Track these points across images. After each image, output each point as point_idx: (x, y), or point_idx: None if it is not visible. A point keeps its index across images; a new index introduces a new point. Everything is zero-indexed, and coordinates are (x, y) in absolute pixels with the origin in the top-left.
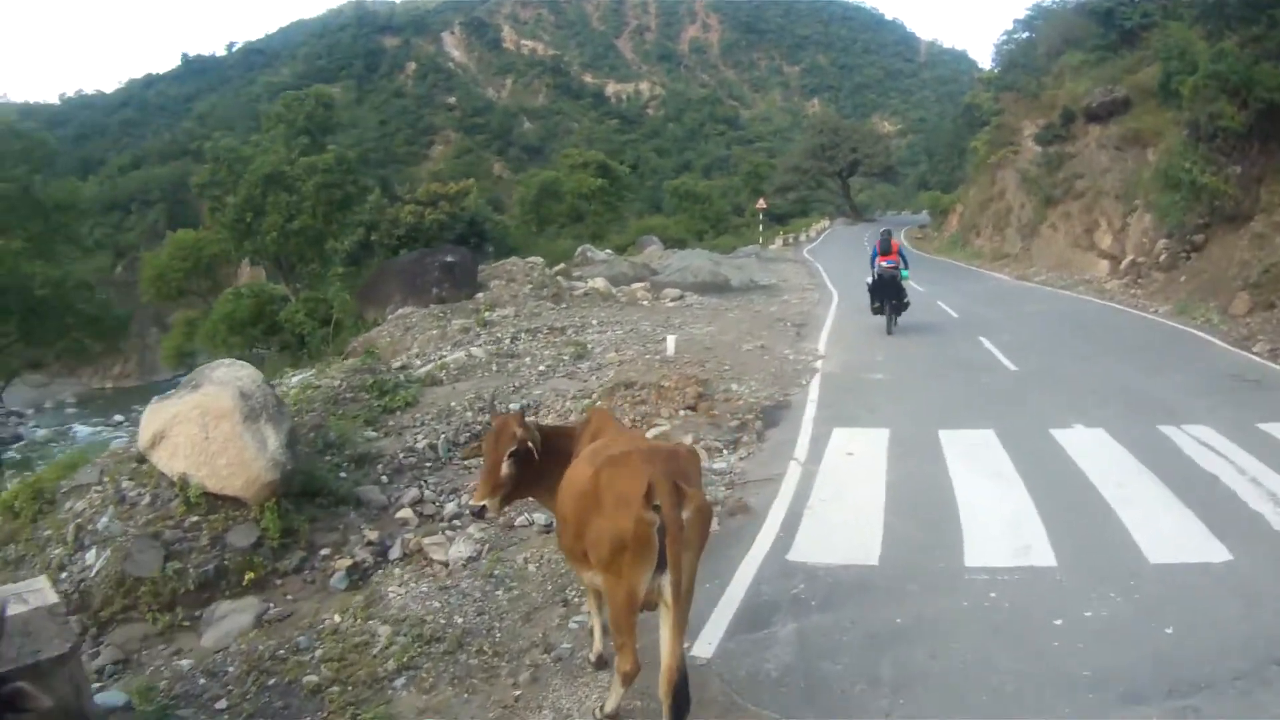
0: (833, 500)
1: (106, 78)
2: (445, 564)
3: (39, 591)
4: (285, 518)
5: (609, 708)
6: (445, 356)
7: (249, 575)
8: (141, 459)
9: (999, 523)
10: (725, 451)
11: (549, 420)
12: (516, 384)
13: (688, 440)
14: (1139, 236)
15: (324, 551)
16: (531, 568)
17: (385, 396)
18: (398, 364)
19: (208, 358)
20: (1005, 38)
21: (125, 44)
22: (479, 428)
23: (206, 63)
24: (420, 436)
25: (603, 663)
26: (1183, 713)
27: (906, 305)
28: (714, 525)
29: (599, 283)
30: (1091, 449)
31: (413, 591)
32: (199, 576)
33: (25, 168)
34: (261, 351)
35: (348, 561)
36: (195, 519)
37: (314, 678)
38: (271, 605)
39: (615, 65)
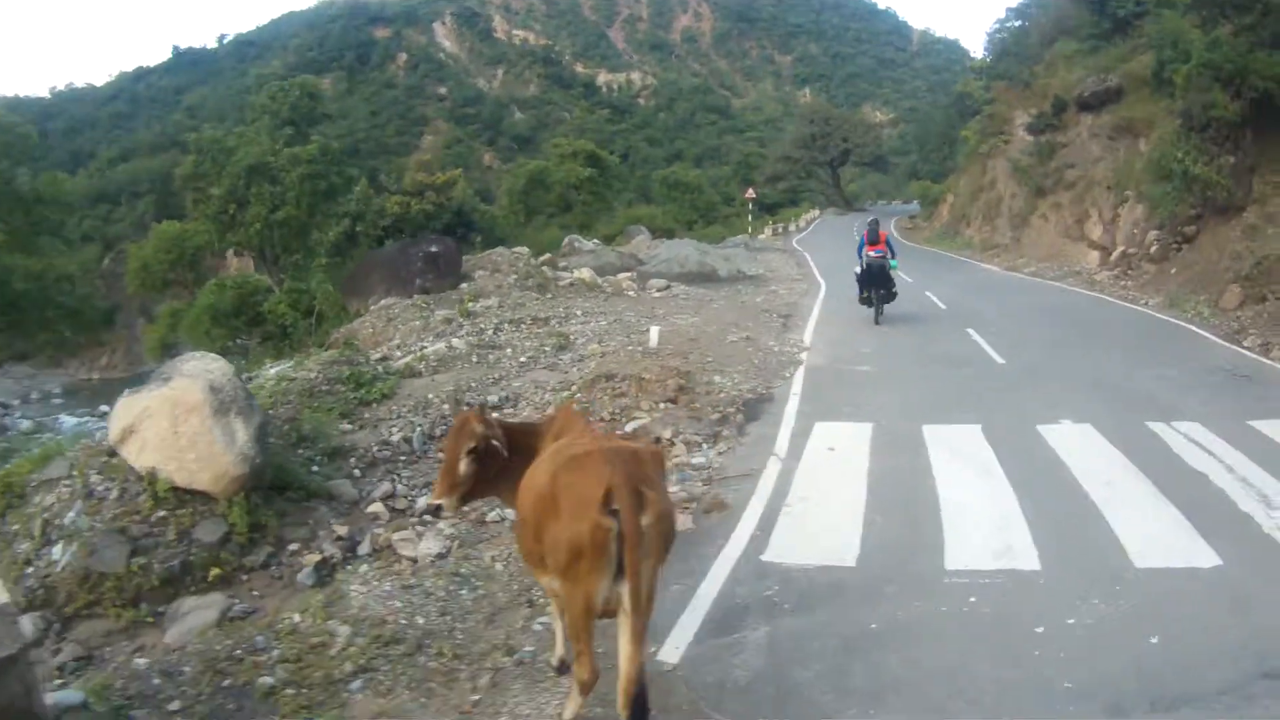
0: (812, 498)
1: (97, 71)
2: (414, 560)
3: None
4: (254, 512)
5: (567, 716)
6: (425, 348)
7: (215, 571)
8: (112, 453)
9: (982, 523)
10: (704, 446)
11: (527, 413)
12: (496, 376)
13: (666, 434)
14: (1130, 227)
15: (292, 547)
16: (499, 566)
17: (362, 389)
18: (378, 355)
19: (191, 349)
20: (998, 26)
21: (116, 37)
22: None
23: (197, 55)
24: (395, 429)
25: (564, 667)
26: None
27: (894, 295)
28: (690, 523)
29: (585, 273)
30: (1079, 445)
31: (375, 590)
32: (164, 572)
33: (7, 161)
34: (244, 343)
35: (316, 557)
36: (163, 514)
37: (269, 679)
38: (237, 601)
39: (607, 55)
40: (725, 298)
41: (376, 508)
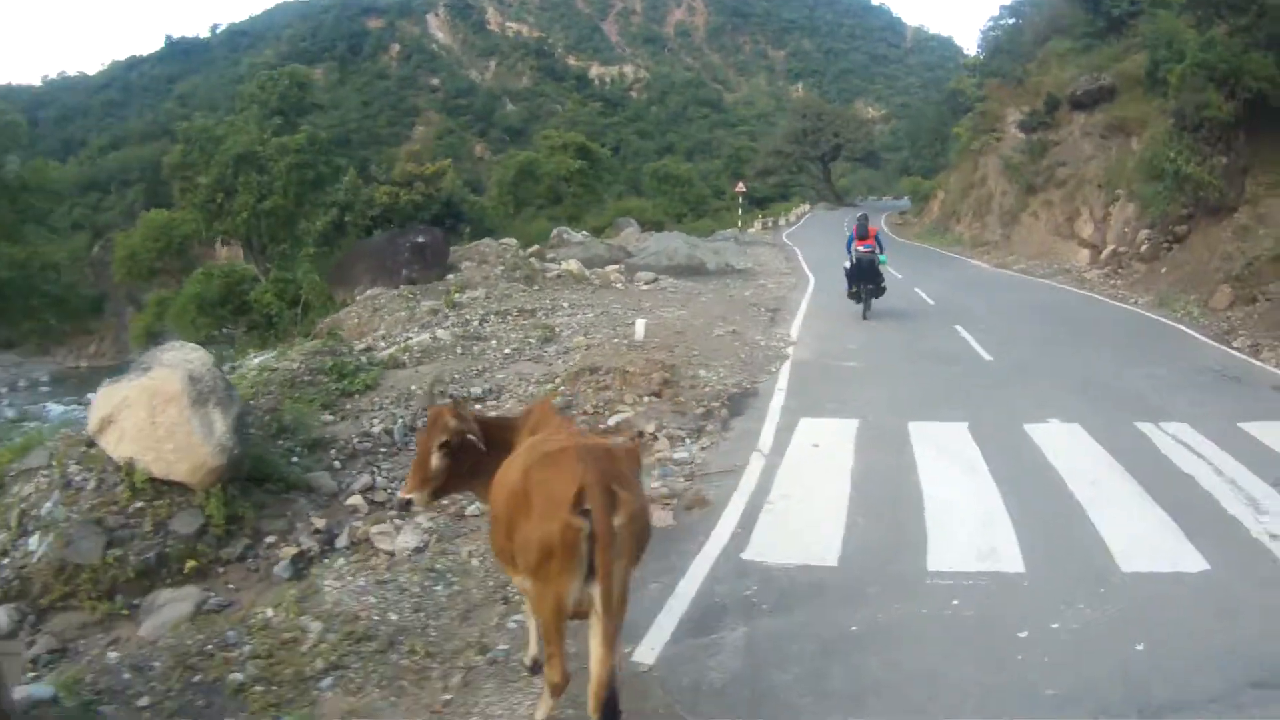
0: (794, 495)
1: (90, 59)
2: (391, 554)
3: None
4: (231, 504)
5: (538, 718)
6: (410, 339)
7: (191, 563)
8: (91, 443)
9: (966, 523)
10: (688, 440)
11: (510, 405)
12: (480, 367)
13: (650, 428)
14: (1121, 226)
15: (269, 539)
16: (475, 562)
17: (344, 379)
18: (362, 346)
19: (177, 338)
20: (992, 24)
21: (109, 26)
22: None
23: (190, 44)
24: (377, 421)
25: (538, 667)
26: None
27: (883, 290)
28: (670, 519)
29: (573, 265)
30: (1066, 445)
31: (349, 585)
32: (139, 564)
33: None
34: (230, 332)
35: (293, 550)
36: (140, 505)
37: (239, 675)
38: (212, 594)
39: (600, 48)
40: (713, 291)
41: (355, 500)
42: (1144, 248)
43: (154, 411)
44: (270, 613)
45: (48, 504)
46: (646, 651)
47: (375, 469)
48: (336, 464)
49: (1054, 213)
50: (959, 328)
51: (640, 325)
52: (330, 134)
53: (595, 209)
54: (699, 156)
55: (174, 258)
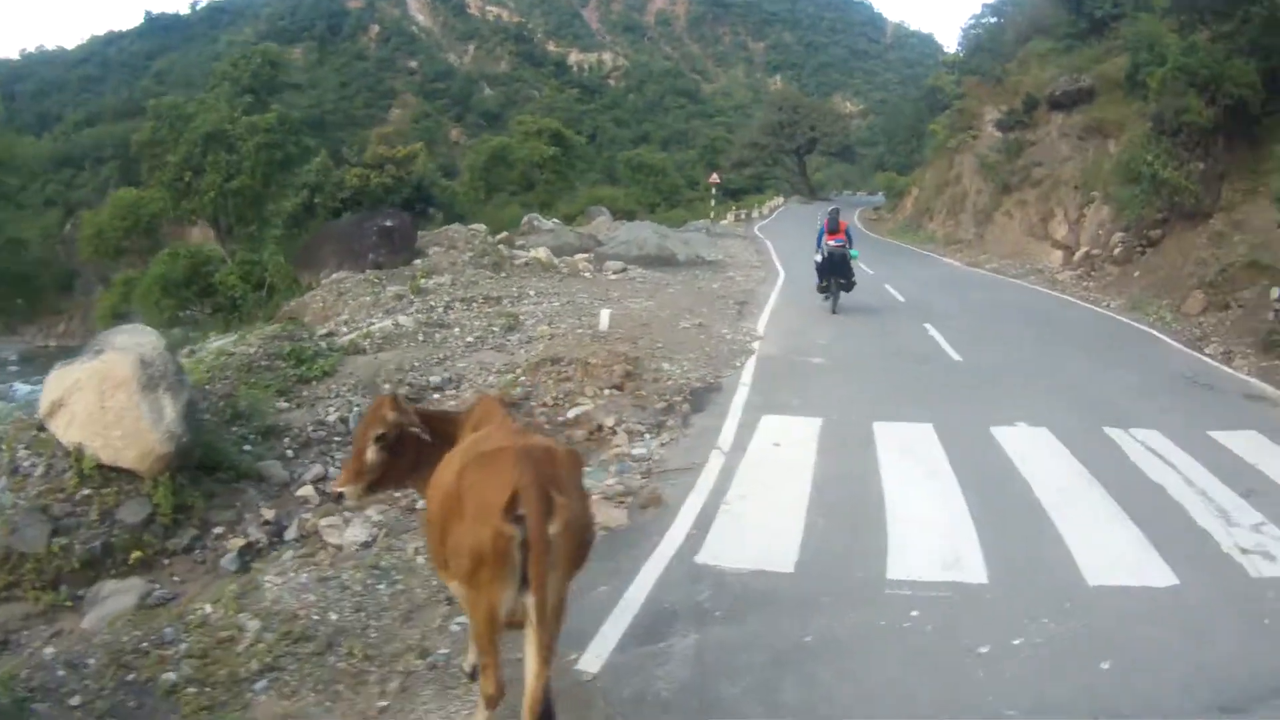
0: (752, 496)
1: (69, 34)
2: (339, 547)
3: None
4: (179, 493)
5: None
6: (373, 325)
7: (136, 554)
8: (42, 427)
9: (928, 530)
10: (647, 436)
11: (469, 395)
12: (441, 355)
13: (609, 422)
14: (1095, 228)
15: (217, 530)
16: (420, 559)
17: (302, 365)
18: (324, 331)
19: (143, 319)
20: (973, 22)
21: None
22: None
23: (170, 20)
24: (333, 409)
25: (477, 673)
26: None
27: (853, 285)
28: (624, 518)
29: (541, 252)
30: (1033, 450)
31: (291, 582)
32: (85, 554)
33: None
34: (194, 314)
35: (241, 541)
36: (87, 492)
37: (173, 675)
38: (157, 587)
39: (580, 34)
40: (682, 282)
41: (306, 491)
42: (1117, 250)
43: (103, 396)
44: (209, 609)
45: None
46: (592, 659)
47: (329, 459)
48: (289, 453)
49: (1028, 213)
50: (928, 326)
51: (605, 316)
52: (306, 114)
53: (568, 196)
54: (675, 146)
55: (142, 237)
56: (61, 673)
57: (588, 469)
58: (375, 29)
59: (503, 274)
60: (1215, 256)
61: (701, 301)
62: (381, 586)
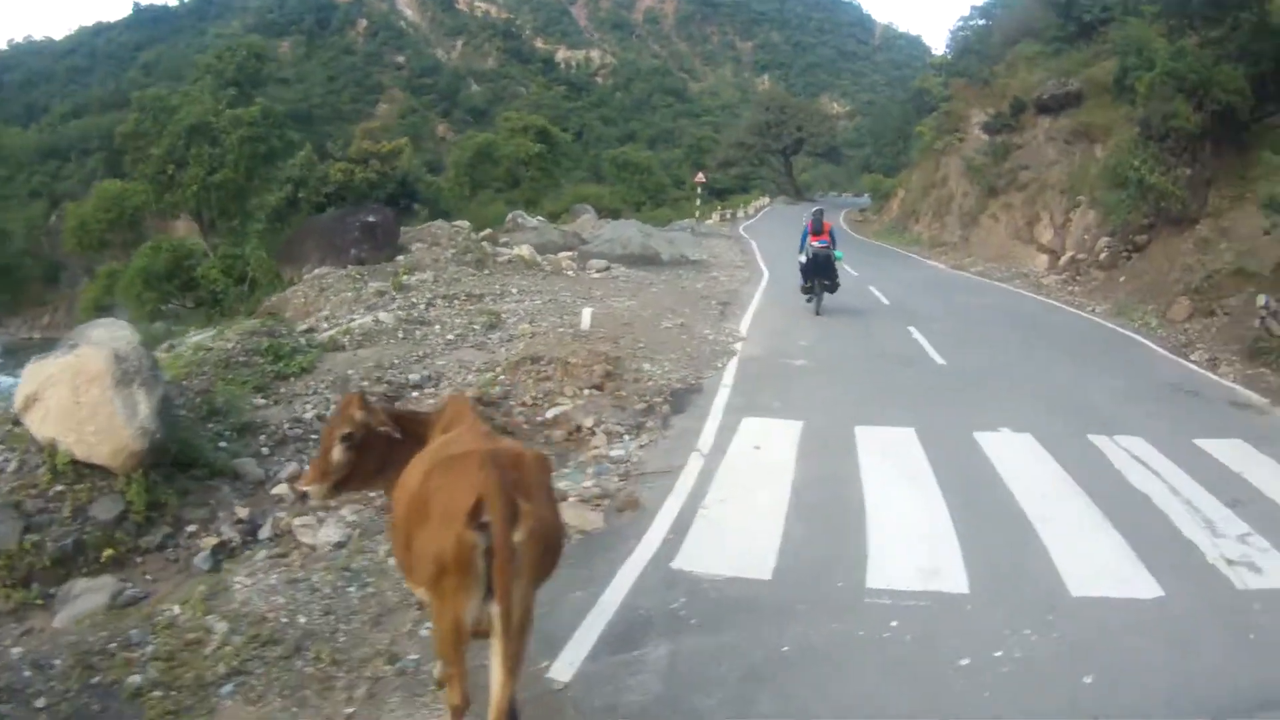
0: (731, 500)
1: (57, 24)
2: (313, 547)
3: None
4: (152, 490)
5: None
6: (353, 321)
7: (108, 552)
8: (17, 421)
9: (909, 537)
10: (626, 437)
11: (448, 393)
12: (421, 353)
13: (588, 422)
14: (1081, 233)
15: (191, 528)
16: (392, 561)
17: (280, 361)
18: (305, 327)
19: (126, 312)
20: (961, 24)
21: None
22: (373, 398)
23: (158, 12)
24: (310, 406)
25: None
26: None
27: (836, 286)
28: (600, 522)
29: (525, 250)
30: (1016, 456)
31: (260, 583)
32: (56, 551)
33: None
34: (176, 308)
35: (214, 540)
36: (60, 488)
37: (138, 678)
38: (129, 585)
39: (568, 31)
40: (665, 282)
41: (281, 489)
42: (1103, 255)
43: (77, 391)
44: (177, 610)
45: None
46: (564, 668)
47: (305, 457)
48: (265, 450)
49: (1014, 216)
50: (912, 329)
51: (586, 314)
52: (293, 108)
53: (553, 194)
54: (661, 145)
55: (125, 229)
56: (28, 673)
57: (565, 470)
58: (363, 23)
59: (485, 271)
60: (1201, 263)
61: (684, 301)
62: (352, 589)
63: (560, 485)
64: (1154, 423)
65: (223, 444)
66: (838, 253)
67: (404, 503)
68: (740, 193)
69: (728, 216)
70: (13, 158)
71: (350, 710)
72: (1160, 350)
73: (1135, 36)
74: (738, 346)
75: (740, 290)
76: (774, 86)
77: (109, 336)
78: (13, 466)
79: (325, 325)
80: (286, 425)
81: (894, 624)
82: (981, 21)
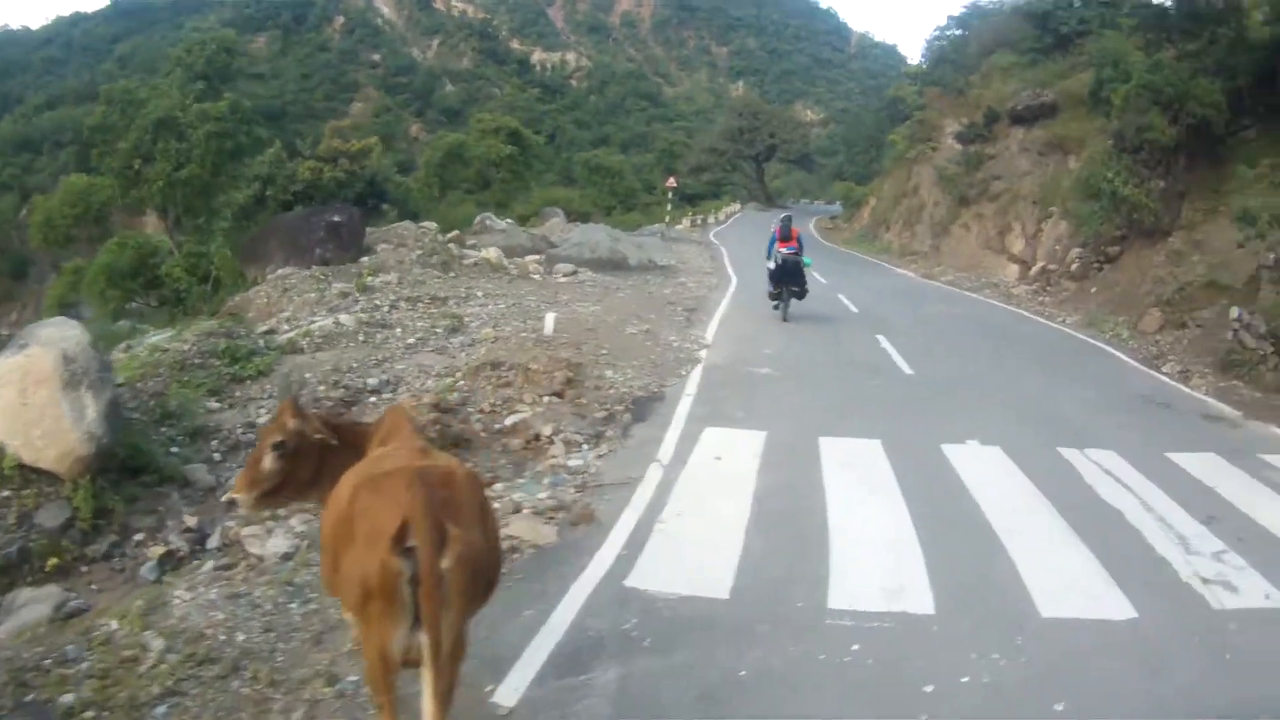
0: (690, 513)
1: (34, 13)
2: (261, 558)
3: None
4: (99, 497)
5: None
6: (314, 323)
7: (53, 560)
8: None
9: (873, 554)
10: (585, 447)
11: (405, 398)
12: (380, 357)
13: (547, 431)
14: (1052, 243)
15: (138, 537)
16: None
17: (237, 364)
18: (265, 328)
19: (90, 309)
20: (937, 34)
21: None
22: (330, 403)
23: (136, 4)
24: (264, 410)
25: None
26: None
27: (805, 293)
28: (554, 536)
29: (491, 253)
30: (985, 470)
31: (200, 598)
32: (1, 559)
33: None
34: (139, 306)
35: (161, 549)
36: (6, 494)
37: (71, 697)
38: (74, 596)
39: (544, 33)
40: (632, 287)
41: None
42: (1074, 266)
43: (25, 392)
44: (115, 624)
45: None
46: (508, 693)
47: None
48: (217, 455)
49: (985, 226)
50: (880, 338)
51: (550, 319)
52: (267, 104)
53: (523, 196)
54: (634, 149)
55: (91, 224)
56: None
57: (520, 481)
58: (340, 20)
59: (451, 274)
60: (1173, 275)
61: (651, 307)
62: (294, 605)
63: (515, 496)
64: (1125, 435)
65: (174, 449)
66: (806, 259)
67: (331, 521)
68: (712, 198)
69: (699, 222)
70: None
71: None
72: (1131, 362)
73: (1112, 49)
74: (703, 354)
75: (708, 296)
76: (748, 92)
77: (58, 336)
78: None
79: (286, 327)
80: (240, 430)
81: (856, 647)
82: (958, 32)
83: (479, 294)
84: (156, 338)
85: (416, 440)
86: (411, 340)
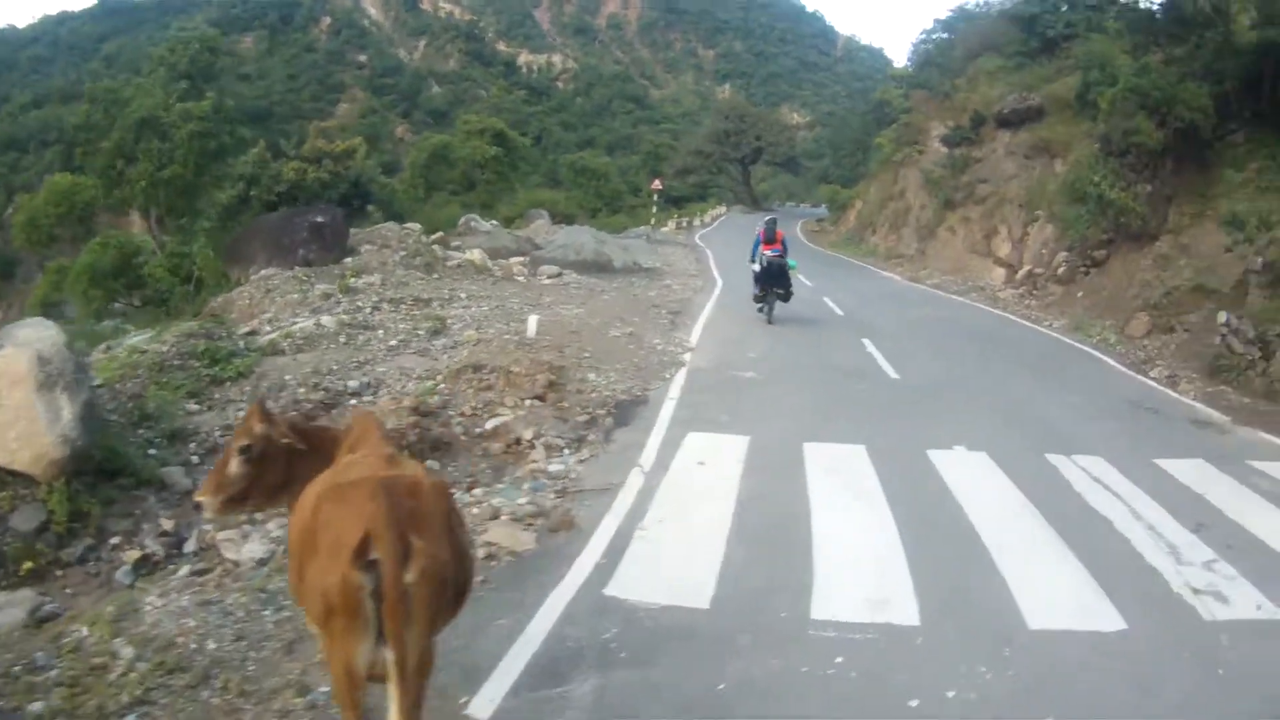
0: (671, 520)
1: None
2: (236, 563)
3: None
4: (75, 499)
5: None
6: (295, 324)
7: (28, 564)
8: None
9: (857, 564)
10: (566, 451)
11: (384, 401)
12: (362, 359)
13: (528, 434)
14: (1039, 247)
15: (114, 540)
16: None
17: (216, 365)
18: (247, 329)
19: (74, 309)
20: (924, 37)
21: None
22: (309, 406)
23: (122, 3)
24: (243, 413)
25: None
26: None
27: (790, 295)
28: (532, 542)
29: (475, 254)
30: (972, 477)
31: (172, 604)
32: None
33: None
34: (123, 306)
35: (137, 554)
36: None
37: (40, 705)
38: (48, 600)
39: (530, 35)
40: (617, 289)
41: None
42: (1061, 270)
43: (0, 394)
44: (85, 631)
45: None
46: (484, 704)
47: None
48: (195, 458)
49: (971, 229)
50: (866, 341)
51: (533, 322)
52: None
53: (508, 198)
54: (620, 152)
55: (75, 224)
56: None
57: (500, 486)
58: (327, 21)
59: (435, 275)
60: (1160, 279)
61: (635, 309)
62: (267, 613)
63: (494, 502)
64: (1113, 441)
65: (152, 451)
66: (791, 261)
67: (297, 530)
68: (698, 201)
69: (684, 225)
70: None
71: None
72: (1119, 366)
73: (1099, 52)
74: (687, 357)
75: (693, 299)
76: (734, 95)
77: (34, 337)
78: None
79: (268, 328)
80: (218, 432)
81: (839, 659)
82: (944, 35)
83: (462, 296)
84: (136, 339)
85: (384, 448)
86: (393, 342)
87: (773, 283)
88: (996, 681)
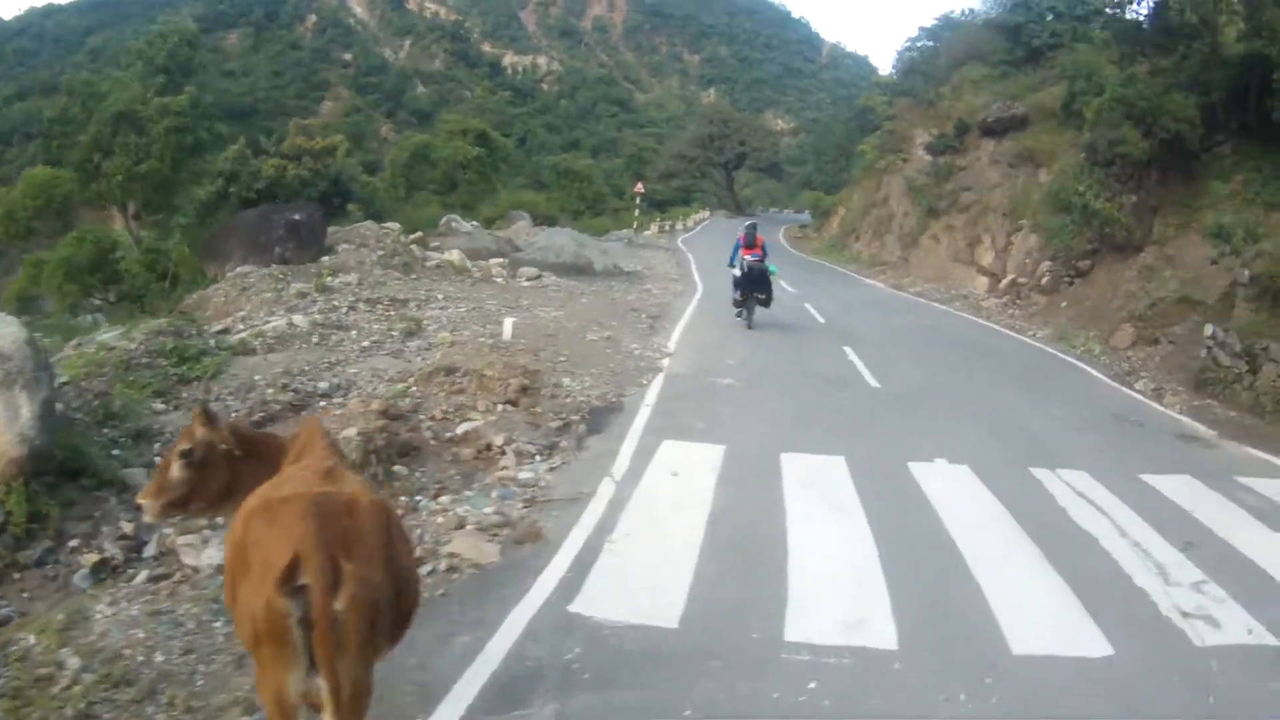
0: (642, 532)
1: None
2: (195, 569)
3: None
4: (33, 500)
5: None
6: (267, 323)
7: None
8: None
9: (833, 582)
10: (537, 458)
11: (354, 403)
12: (333, 360)
13: (498, 440)
14: (1022, 256)
15: (73, 543)
16: None
17: (184, 364)
18: (220, 328)
19: (50, 304)
20: (909, 45)
21: None
22: (278, 406)
23: None
24: None
25: None
26: None
27: (770, 301)
28: (497, 555)
29: (454, 255)
30: (953, 491)
31: (122, 614)
32: None
33: None
34: (98, 302)
35: (95, 557)
36: None
37: None
38: (4, 603)
39: (516, 37)
40: (596, 292)
41: None
42: (1044, 280)
43: None
44: (32, 640)
45: None
46: None
47: None
48: (159, 459)
49: (955, 238)
50: (847, 349)
51: (508, 324)
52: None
53: (490, 199)
54: (604, 155)
55: (53, 218)
56: None
57: (468, 494)
58: (312, 19)
59: (413, 276)
60: (1145, 290)
61: (613, 313)
62: (218, 624)
63: (460, 511)
64: (1098, 455)
65: (116, 451)
66: (772, 267)
67: (230, 546)
68: (681, 205)
69: (666, 228)
70: None
71: None
72: (1103, 378)
73: (1085, 62)
74: (665, 362)
75: (673, 304)
76: (719, 100)
77: None
78: None
79: (241, 326)
80: None
81: (812, 685)
82: (929, 43)
83: (439, 297)
84: (105, 335)
85: (327, 459)
86: (367, 343)
87: (754, 288)
88: (978, 711)
